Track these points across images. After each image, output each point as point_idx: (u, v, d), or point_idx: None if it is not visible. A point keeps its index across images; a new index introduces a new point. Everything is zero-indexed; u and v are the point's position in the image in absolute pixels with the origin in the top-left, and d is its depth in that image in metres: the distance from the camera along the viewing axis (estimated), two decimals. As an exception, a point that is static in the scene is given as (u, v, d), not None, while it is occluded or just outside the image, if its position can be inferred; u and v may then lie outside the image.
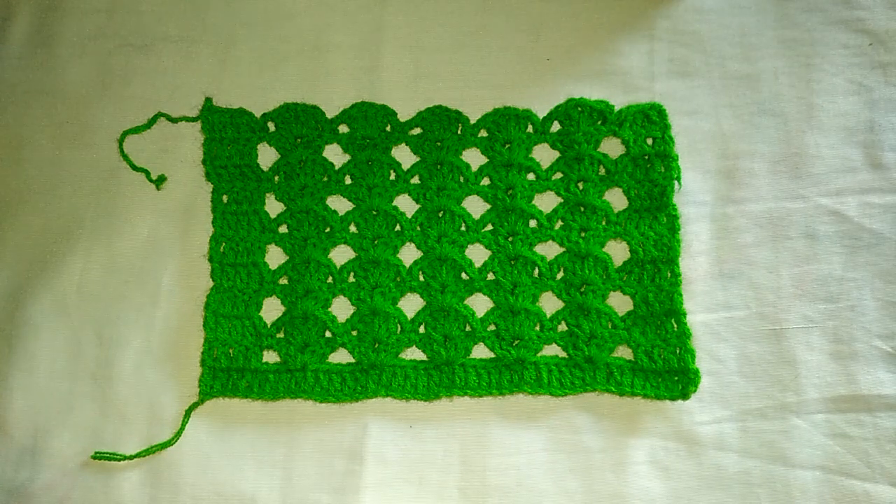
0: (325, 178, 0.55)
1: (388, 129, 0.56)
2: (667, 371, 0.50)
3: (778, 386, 0.51)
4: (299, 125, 0.56)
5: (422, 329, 0.52)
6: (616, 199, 0.54)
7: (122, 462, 0.50)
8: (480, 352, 0.52)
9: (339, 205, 0.55)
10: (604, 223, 0.53)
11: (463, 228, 0.53)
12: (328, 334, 0.52)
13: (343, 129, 0.56)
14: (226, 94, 0.57)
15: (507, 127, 0.55)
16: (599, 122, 0.55)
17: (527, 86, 0.57)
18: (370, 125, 0.55)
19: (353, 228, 0.54)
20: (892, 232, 0.53)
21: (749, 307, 0.52)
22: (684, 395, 0.49)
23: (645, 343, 0.50)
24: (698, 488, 0.49)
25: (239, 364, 0.51)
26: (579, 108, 0.55)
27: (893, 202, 0.54)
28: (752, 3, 0.58)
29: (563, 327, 0.51)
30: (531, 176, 0.54)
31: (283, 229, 0.54)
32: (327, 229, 0.54)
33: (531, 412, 0.51)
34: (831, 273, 0.53)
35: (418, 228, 0.54)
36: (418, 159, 0.55)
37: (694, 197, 0.54)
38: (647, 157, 0.54)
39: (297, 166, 0.55)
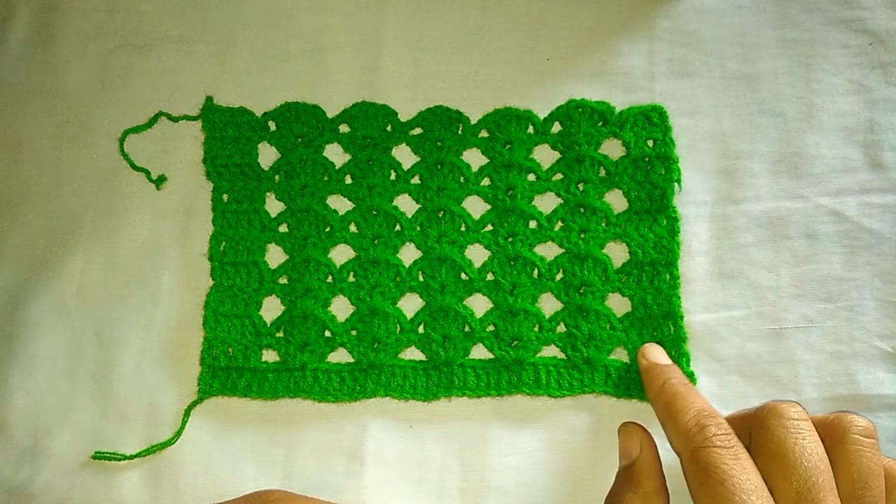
0: (326, 178, 0.55)
1: (388, 128, 0.56)
2: (664, 373, 0.50)
3: (777, 385, 0.51)
4: (300, 124, 0.56)
5: (421, 329, 0.52)
6: (616, 201, 0.54)
7: (122, 462, 0.50)
8: (480, 352, 0.52)
9: (340, 204, 0.55)
10: (603, 224, 0.53)
11: (463, 229, 0.53)
12: (328, 334, 0.52)
13: (344, 128, 0.56)
14: (226, 93, 0.57)
15: (507, 127, 0.55)
16: (600, 124, 0.55)
17: (527, 86, 0.57)
18: (371, 125, 0.55)
19: (353, 228, 0.54)
20: (892, 232, 0.53)
21: (749, 307, 0.52)
22: None
23: (641, 345, 0.50)
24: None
25: (238, 363, 0.51)
26: (580, 109, 0.55)
27: (893, 202, 0.54)
28: (752, 3, 0.58)
29: (561, 328, 0.51)
30: (531, 177, 0.54)
31: (283, 228, 0.54)
32: (327, 229, 0.54)
33: (531, 413, 0.51)
34: (831, 273, 0.53)
35: (418, 228, 0.54)
36: (419, 159, 0.55)
37: (694, 197, 0.54)
38: (647, 159, 0.54)
39: (297, 166, 0.55)
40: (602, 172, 0.54)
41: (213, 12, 0.60)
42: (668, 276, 0.51)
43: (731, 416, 0.44)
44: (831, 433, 0.40)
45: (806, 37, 0.57)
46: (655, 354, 0.49)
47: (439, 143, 0.55)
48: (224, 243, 0.54)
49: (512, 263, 0.52)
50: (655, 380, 0.46)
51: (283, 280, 0.53)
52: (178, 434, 0.51)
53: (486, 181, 0.55)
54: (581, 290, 0.52)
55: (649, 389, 0.47)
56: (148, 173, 0.56)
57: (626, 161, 0.54)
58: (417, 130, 0.56)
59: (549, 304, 0.52)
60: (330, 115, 0.56)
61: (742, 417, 0.43)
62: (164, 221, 0.55)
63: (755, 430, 0.41)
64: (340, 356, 0.52)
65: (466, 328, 0.51)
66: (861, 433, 0.40)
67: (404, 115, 0.56)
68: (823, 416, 0.41)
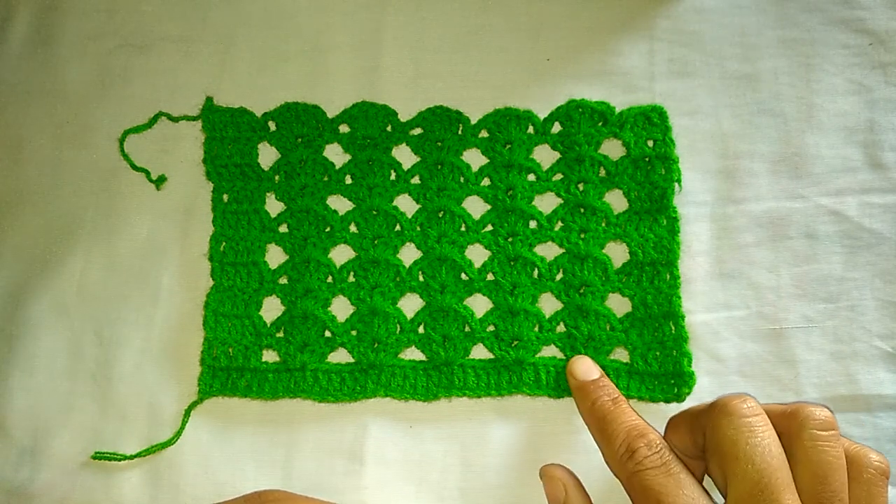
0: (326, 178, 0.55)
1: (388, 129, 0.56)
2: (662, 374, 0.50)
3: (778, 385, 0.51)
4: (300, 125, 0.56)
5: (421, 329, 0.52)
6: (616, 201, 0.54)
7: (122, 462, 0.50)
8: (480, 352, 0.52)
9: (340, 204, 0.55)
10: (604, 225, 0.53)
11: (463, 229, 0.53)
12: (328, 334, 0.52)
13: (344, 128, 0.56)
14: (226, 93, 0.57)
15: (507, 127, 0.55)
16: (600, 124, 0.55)
17: (527, 86, 0.57)
18: (371, 125, 0.55)
19: (353, 228, 0.54)
20: (892, 232, 0.53)
21: (749, 307, 0.52)
22: (679, 398, 0.49)
23: (641, 346, 0.50)
24: (699, 488, 0.49)
25: (238, 363, 0.51)
26: (580, 110, 0.55)
27: (893, 202, 0.54)
28: (752, 3, 0.58)
29: (561, 328, 0.51)
30: (531, 177, 0.54)
31: (283, 229, 0.54)
32: (327, 229, 0.54)
33: (532, 412, 0.51)
34: (831, 273, 0.53)
35: (418, 228, 0.54)
36: (419, 159, 0.55)
37: (694, 197, 0.54)
38: (647, 160, 0.54)
39: (297, 166, 0.55)
40: (602, 172, 0.54)
41: (213, 12, 0.60)
42: (668, 276, 0.51)
43: (686, 412, 0.44)
44: (788, 427, 0.39)
45: (806, 37, 0.57)
46: (583, 370, 0.48)
47: (439, 144, 0.55)
48: (224, 243, 0.54)
49: (512, 263, 0.52)
50: (585, 401, 0.46)
51: (284, 280, 0.53)
52: (178, 434, 0.51)
53: (486, 181, 0.55)
54: (581, 291, 0.52)
55: (581, 412, 0.47)
56: (148, 173, 0.56)
57: (626, 161, 0.54)
58: (417, 130, 0.56)
59: (549, 305, 0.52)
60: (330, 115, 0.56)
61: (696, 415, 0.43)
62: (164, 221, 0.55)
63: (707, 429, 0.41)
64: (340, 356, 0.52)
65: (466, 328, 0.51)
66: (819, 427, 0.39)
67: (404, 115, 0.56)
68: (782, 408, 0.40)
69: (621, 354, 0.51)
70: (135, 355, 0.52)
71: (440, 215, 0.54)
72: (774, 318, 0.52)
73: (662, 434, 0.45)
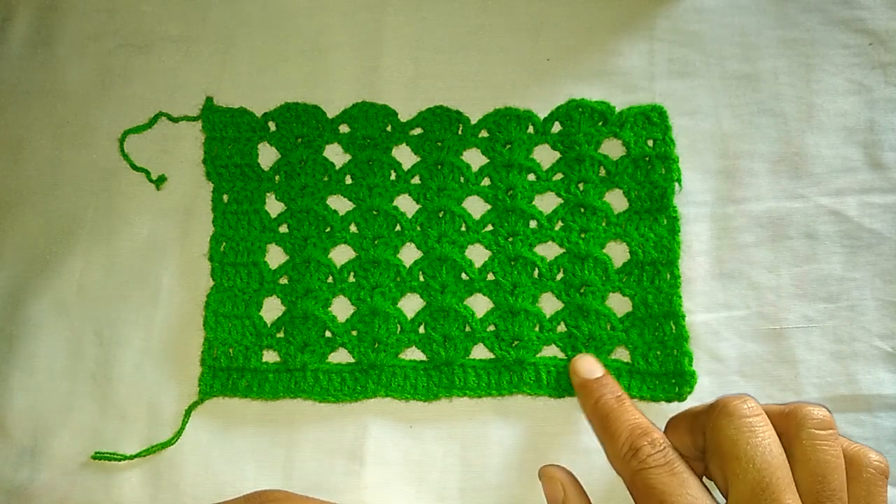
0: (326, 178, 0.55)
1: (388, 129, 0.56)
2: (663, 373, 0.50)
3: (778, 385, 0.51)
4: (300, 125, 0.56)
5: (421, 329, 0.52)
6: (616, 201, 0.54)
7: (122, 462, 0.50)
8: (480, 352, 0.52)
9: (340, 204, 0.55)
10: (604, 224, 0.53)
11: (463, 229, 0.53)
12: (328, 334, 0.52)
13: (344, 128, 0.56)
14: (226, 93, 0.57)
15: (507, 127, 0.55)
16: (600, 124, 0.55)
17: (527, 86, 0.57)
18: (371, 125, 0.55)
19: (353, 228, 0.54)
20: (892, 232, 0.53)
21: (749, 307, 0.52)
22: (680, 397, 0.49)
23: (642, 346, 0.50)
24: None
25: (239, 363, 0.51)
26: (580, 109, 0.55)
27: (893, 202, 0.54)
28: (752, 3, 0.58)
29: (562, 328, 0.51)
30: (532, 176, 0.54)
31: (283, 229, 0.54)
32: (327, 229, 0.54)
33: (532, 412, 0.51)
34: (831, 273, 0.53)
35: (418, 228, 0.54)
36: (419, 159, 0.55)
37: (694, 197, 0.54)
38: (647, 159, 0.54)
39: (297, 166, 0.55)
40: (602, 172, 0.54)
41: (213, 12, 0.60)
42: (668, 276, 0.51)
43: (685, 413, 0.44)
44: (787, 427, 0.39)
45: (806, 37, 0.57)
46: (587, 368, 0.48)
47: (439, 144, 0.55)
48: (224, 244, 0.54)
49: (512, 263, 0.52)
50: (588, 399, 0.47)
51: (284, 280, 0.53)
52: (179, 434, 0.51)
53: (486, 181, 0.55)
54: (581, 290, 0.52)
55: (584, 409, 0.48)
56: (148, 173, 0.56)
57: (626, 161, 0.54)
58: (417, 130, 0.56)
59: (549, 304, 0.52)
60: (330, 115, 0.56)
61: (695, 415, 0.43)
62: (164, 221, 0.55)
63: (708, 429, 0.41)
64: (341, 356, 0.52)
65: (467, 328, 0.51)
66: (817, 426, 0.39)
67: (404, 115, 0.56)
68: (781, 408, 0.41)
69: (622, 354, 0.51)
70: (135, 355, 0.52)
71: (440, 215, 0.54)
72: (774, 318, 0.52)
73: None
